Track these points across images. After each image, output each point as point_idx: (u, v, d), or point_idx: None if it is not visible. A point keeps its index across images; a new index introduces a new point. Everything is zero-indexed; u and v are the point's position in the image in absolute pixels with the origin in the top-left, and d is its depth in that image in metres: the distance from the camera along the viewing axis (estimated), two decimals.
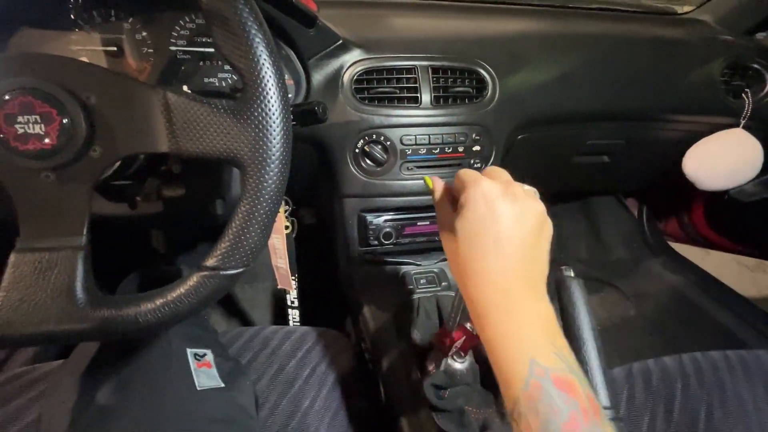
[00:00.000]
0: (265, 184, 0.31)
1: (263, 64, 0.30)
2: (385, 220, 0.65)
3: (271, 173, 0.31)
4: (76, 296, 0.29)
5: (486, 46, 0.67)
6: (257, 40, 0.29)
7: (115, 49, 0.52)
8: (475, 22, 0.73)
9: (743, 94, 0.78)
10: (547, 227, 0.35)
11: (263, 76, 0.30)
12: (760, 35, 0.83)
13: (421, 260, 0.69)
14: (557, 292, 0.44)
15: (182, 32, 0.53)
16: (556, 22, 0.79)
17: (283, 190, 0.32)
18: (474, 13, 0.76)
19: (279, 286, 0.64)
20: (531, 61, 0.68)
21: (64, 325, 0.29)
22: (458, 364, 0.48)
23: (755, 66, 0.78)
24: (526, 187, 0.36)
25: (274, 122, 0.30)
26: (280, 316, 0.71)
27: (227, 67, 0.56)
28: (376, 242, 0.66)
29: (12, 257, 0.29)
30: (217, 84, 0.55)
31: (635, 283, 1.15)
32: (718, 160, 0.79)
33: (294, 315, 0.69)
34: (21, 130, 0.29)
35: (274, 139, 0.31)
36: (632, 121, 0.81)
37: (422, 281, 0.65)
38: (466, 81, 0.63)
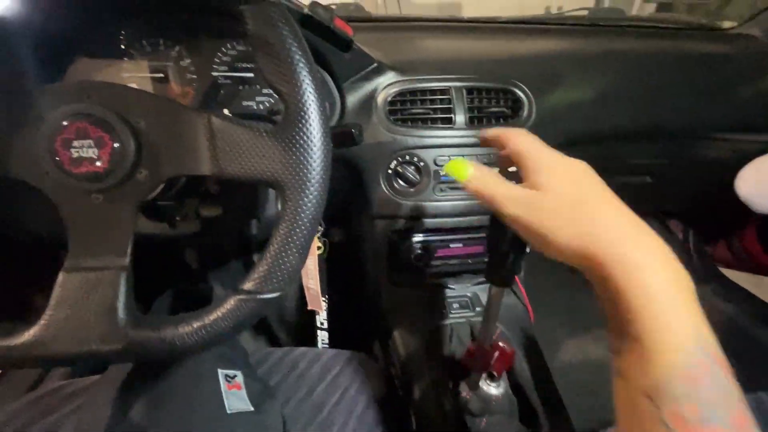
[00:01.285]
0: (304, 207, 0.31)
1: (305, 90, 0.30)
2: (417, 242, 0.64)
3: (311, 196, 0.31)
4: (117, 316, 0.30)
5: (521, 65, 0.66)
6: (300, 66, 0.30)
7: (161, 75, 0.54)
8: (509, 42, 0.72)
9: None
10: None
11: (305, 102, 0.30)
12: None
13: (453, 283, 0.67)
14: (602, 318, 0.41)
15: (224, 59, 0.55)
16: (591, 40, 0.78)
17: (321, 213, 0.32)
18: (507, 33, 0.75)
19: (309, 307, 0.63)
20: (567, 80, 0.67)
21: (105, 345, 0.29)
22: (493, 389, 0.46)
23: None
24: None
25: (314, 146, 0.30)
26: (308, 337, 0.70)
27: (265, 90, 0.57)
28: (407, 264, 0.65)
29: (60, 276, 0.30)
30: (255, 107, 0.57)
31: None
32: None
33: (323, 337, 0.68)
34: (76, 154, 0.30)
35: (315, 162, 0.30)
36: (676, 140, 0.77)
37: (455, 306, 0.63)
38: (501, 101, 0.62)
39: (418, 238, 0.64)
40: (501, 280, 0.40)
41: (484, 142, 0.37)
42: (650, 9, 2.71)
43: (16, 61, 0.45)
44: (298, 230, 0.31)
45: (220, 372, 0.48)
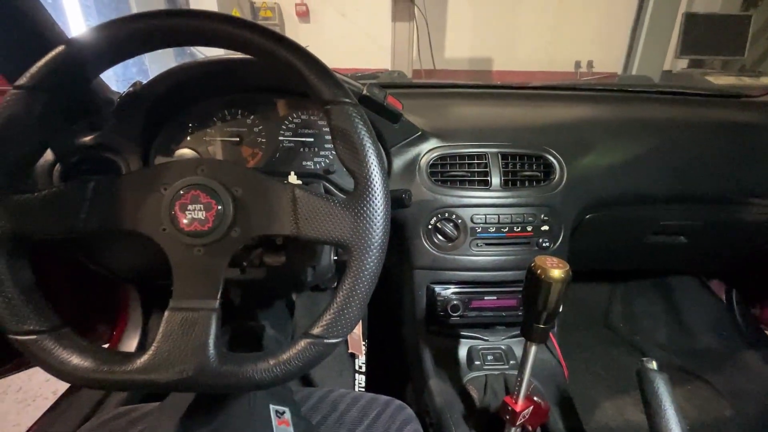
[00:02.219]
0: (367, 265, 0.36)
1: (374, 172, 0.37)
2: (453, 293, 0.68)
3: (373, 257, 0.37)
4: (209, 352, 0.36)
5: (552, 132, 0.72)
6: (370, 153, 0.37)
7: (237, 139, 0.64)
8: (541, 109, 0.79)
9: None
10: None
11: (373, 181, 0.37)
12: None
13: (488, 335, 0.70)
14: (639, 385, 0.43)
15: (290, 126, 0.65)
16: (621, 107, 0.83)
17: (380, 270, 0.38)
18: (540, 100, 0.82)
19: (350, 351, 0.67)
20: (597, 147, 0.72)
21: (199, 378, 0.35)
22: None
23: None
24: None
25: (378, 216, 0.37)
26: (346, 379, 0.73)
27: (321, 152, 0.66)
28: (443, 313, 0.68)
29: (166, 314, 0.37)
30: (312, 167, 0.65)
31: (730, 378, 1.01)
32: None
33: (360, 380, 0.71)
34: (189, 216, 0.37)
35: (378, 229, 0.37)
36: (710, 204, 0.79)
37: (489, 357, 0.65)
38: (534, 165, 0.67)
39: (454, 289, 0.68)
40: (536, 336, 0.44)
41: None
42: (682, 64, 2.75)
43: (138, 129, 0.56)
44: (360, 285, 0.36)
45: (272, 407, 0.52)
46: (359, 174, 0.37)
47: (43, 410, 0.81)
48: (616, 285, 1.28)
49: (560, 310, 0.42)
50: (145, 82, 0.56)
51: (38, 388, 1.34)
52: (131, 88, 0.55)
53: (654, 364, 0.44)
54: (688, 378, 1.06)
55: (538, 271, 0.42)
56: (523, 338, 0.70)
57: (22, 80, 0.35)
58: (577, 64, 3.32)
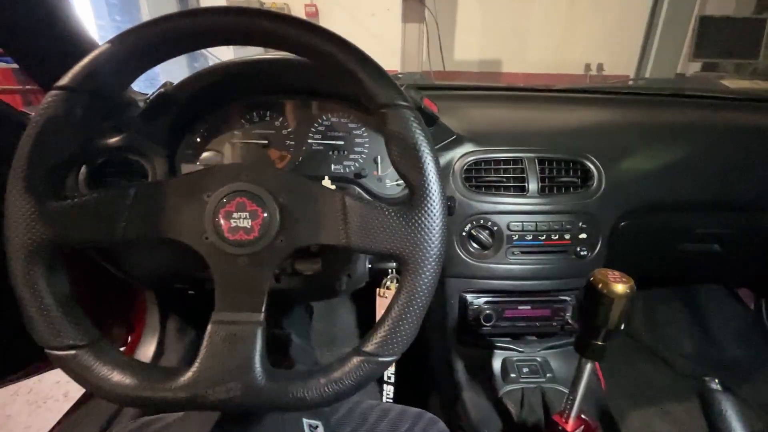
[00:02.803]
0: (423, 279, 0.34)
1: (431, 179, 0.34)
2: (486, 302, 0.66)
3: (429, 270, 0.34)
4: (255, 369, 0.33)
5: (590, 137, 0.69)
6: (428, 159, 0.35)
7: (266, 141, 0.62)
8: (579, 113, 0.77)
9: None
10: None
11: (432, 190, 0.34)
12: None
13: (522, 347, 0.67)
14: (702, 407, 0.40)
15: (319, 128, 0.63)
16: (659, 111, 0.81)
17: (436, 284, 0.35)
18: (576, 104, 0.80)
19: None
20: (636, 152, 0.69)
21: (247, 397, 0.33)
22: None
23: None
24: None
25: (435, 227, 0.34)
26: (373, 389, 0.71)
27: (351, 156, 0.64)
28: (475, 323, 0.66)
29: (209, 327, 0.35)
30: (342, 171, 0.63)
31: (760, 390, 0.98)
32: None
33: (388, 391, 0.69)
34: (234, 224, 0.35)
35: (435, 241, 0.34)
36: (747, 211, 0.76)
37: (525, 370, 0.63)
38: (571, 171, 0.65)
39: (487, 298, 0.66)
40: (593, 354, 0.41)
41: None
42: (695, 67, 2.72)
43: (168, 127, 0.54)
44: (416, 300, 0.34)
45: (305, 422, 0.50)
46: (416, 181, 0.35)
47: (55, 412, 0.79)
48: (639, 293, 1.25)
49: (622, 327, 0.40)
50: (174, 83, 0.54)
51: (49, 390, 1.33)
52: (162, 89, 0.53)
53: (717, 384, 0.41)
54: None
55: (599, 285, 0.39)
56: (559, 350, 0.69)
57: (63, 81, 0.33)
58: (587, 67, 3.29)
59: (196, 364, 0.34)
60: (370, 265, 0.56)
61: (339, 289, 0.54)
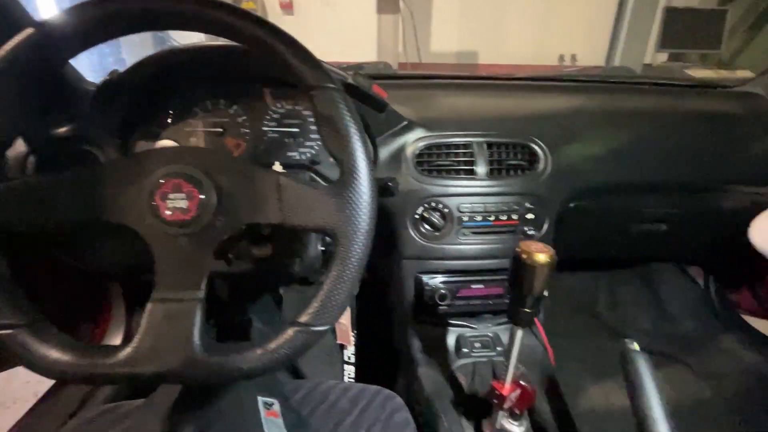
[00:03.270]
0: (353, 252, 0.36)
1: (359, 158, 0.36)
2: (441, 282, 0.68)
3: (359, 244, 0.36)
4: (194, 343, 0.35)
5: (537, 122, 0.72)
6: (355, 139, 0.36)
7: (221, 130, 0.63)
8: (526, 99, 0.80)
9: None
10: None
11: (358, 167, 0.36)
12: None
13: (475, 324, 0.70)
14: (622, 366, 0.44)
15: (274, 116, 0.64)
16: (603, 97, 0.84)
17: (367, 257, 0.37)
18: (524, 90, 0.83)
19: (338, 341, 0.67)
20: (582, 136, 0.73)
21: (184, 369, 0.34)
22: (515, 428, 0.48)
23: None
24: None
25: (364, 202, 0.36)
26: (335, 370, 0.73)
27: (307, 143, 0.65)
28: (431, 303, 0.69)
29: (149, 306, 0.36)
30: (298, 157, 0.64)
31: (708, 361, 1.05)
32: None
33: (350, 371, 0.71)
34: (170, 205, 0.37)
35: (364, 215, 0.36)
36: (689, 192, 0.81)
37: (477, 345, 0.66)
38: (519, 155, 0.68)
39: (441, 278, 0.69)
40: (522, 321, 0.44)
41: None
42: (662, 57, 2.81)
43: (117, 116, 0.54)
44: (347, 272, 0.36)
45: (260, 399, 0.52)
46: (344, 160, 0.37)
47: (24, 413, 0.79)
48: (601, 274, 1.31)
49: (545, 294, 0.43)
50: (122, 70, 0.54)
51: (18, 391, 1.30)
52: (108, 77, 0.53)
53: (636, 345, 0.45)
54: (668, 361, 1.09)
55: (524, 256, 0.42)
56: (509, 325, 0.72)
57: None
58: (561, 58, 3.35)
59: (135, 340, 0.35)
60: (322, 248, 0.58)
61: (292, 272, 0.56)
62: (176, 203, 0.37)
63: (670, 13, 2.53)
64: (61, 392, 0.78)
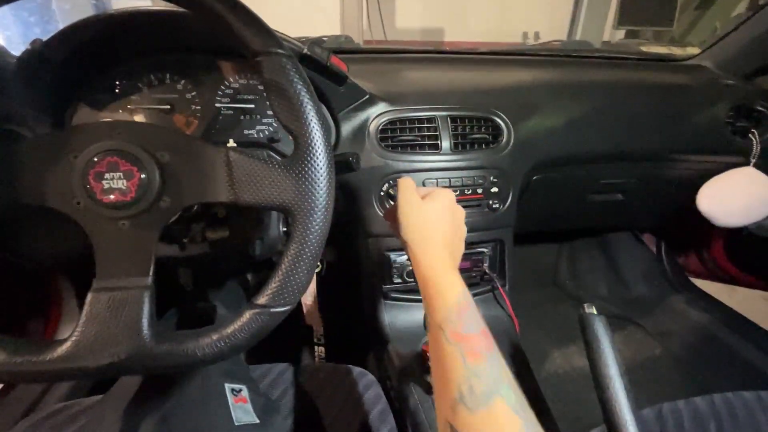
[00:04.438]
0: (312, 229, 0.35)
1: (313, 129, 0.34)
2: (408, 259, 0.68)
3: (317, 220, 0.35)
4: (143, 332, 0.33)
5: (500, 95, 0.72)
6: (308, 108, 0.34)
7: (168, 107, 0.58)
8: (489, 73, 0.79)
9: (750, 135, 0.81)
10: (459, 211, 0.47)
11: (313, 139, 0.34)
12: (760, 79, 0.87)
13: None
14: (581, 329, 0.46)
15: (227, 91, 0.60)
16: (563, 71, 0.85)
17: (326, 234, 0.36)
18: (487, 64, 0.82)
19: (307, 322, 0.66)
20: (542, 108, 0.73)
21: (133, 359, 0.32)
22: None
23: (759, 108, 0.81)
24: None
25: (321, 177, 0.35)
26: (305, 352, 0.73)
27: (265, 120, 0.61)
28: (399, 280, 0.69)
29: (89, 296, 0.33)
30: (255, 135, 0.61)
31: (659, 321, 1.13)
32: (732, 197, 0.81)
33: (320, 351, 0.70)
34: (107, 185, 0.33)
35: (321, 190, 0.35)
36: (642, 161, 0.84)
37: None
38: (483, 128, 0.67)
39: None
40: None
41: None
42: (620, 35, 2.89)
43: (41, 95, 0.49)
44: (306, 250, 0.35)
45: (227, 386, 0.50)
46: (298, 132, 0.34)
47: None
48: (562, 245, 1.36)
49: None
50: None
51: None
52: (29, 46, 0.47)
53: (593, 309, 0.46)
54: (623, 324, 1.17)
55: None
56: (477, 299, 0.74)
57: None
58: (525, 35, 3.38)
59: (75, 333, 0.32)
60: (284, 229, 0.56)
61: (253, 254, 0.54)
62: (114, 183, 0.33)
63: None
64: (11, 393, 0.73)
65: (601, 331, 0.43)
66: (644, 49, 2.31)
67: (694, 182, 0.84)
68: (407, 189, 0.46)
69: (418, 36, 3.26)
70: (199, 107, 0.59)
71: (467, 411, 0.31)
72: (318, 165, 0.34)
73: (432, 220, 0.43)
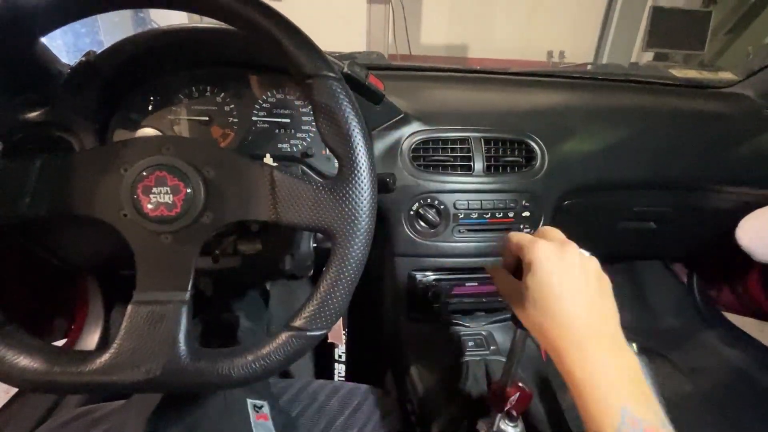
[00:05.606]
0: (352, 253, 0.34)
1: (360, 153, 0.34)
2: (434, 280, 0.67)
3: (358, 243, 0.34)
4: (179, 348, 0.33)
5: (534, 118, 0.71)
6: (356, 132, 0.34)
7: (206, 119, 0.59)
8: (524, 95, 0.78)
9: None
10: (605, 281, 0.37)
11: (360, 163, 0.34)
12: None
13: (468, 322, 0.69)
14: None
15: (264, 105, 0.61)
16: (598, 94, 0.84)
17: (366, 258, 0.35)
18: (522, 86, 0.81)
19: (329, 340, 0.65)
20: (577, 132, 0.72)
21: (169, 377, 0.32)
22: (510, 428, 0.47)
23: None
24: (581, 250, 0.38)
25: (364, 201, 0.34)
26: (325, 369, 0.72)
27: (299, 134, 0.62)
28: (424, 301, 0.67)
29: (129, 308, 0.33)
30: (289, 150, 0.62)
31: (689, 356, 1.08)
32: None
33: (340, 370, 0.70)
34: (154, 199, 0.34)
35: (364, 214, 0.34)
36: (678, 190, 0.82)
37: (470, 344, 0.65)
38: (516, 151, 0.66)
39: (435, 276, 0.67)
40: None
41: (507, 251, 0.42)
42: (648, 57, 2.85)
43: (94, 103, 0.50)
44: (346, 274, 0.34)
45: (249, 402, 0.50)
46: (344, 154, 0.34)
47: None
48: None
49: None
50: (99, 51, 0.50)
51: None
52: (84, 58, 0.49)
53: (635, 347, 0.44)
54: (650, 356, 1.12)
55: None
56: (503, 324, 0.72)
57: None
58: (550, 54, 3.37)
59: (114, 346, 0.32)
60: (315, 245, 0.56)
61: (283, 269, 0.54)
62: (160, 198, 0.34)
63: (657, 12, 2.55)
64: (29, 396, 0.74)
65: (644, 373, 0.41)
66: (675, 72, 2.27)
67: (732, 214, 0.81)
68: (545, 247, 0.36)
69: (442, 52, 3.29)
70: (236, 120, 0.60)
71: None
72: (362, 189, 0.34)
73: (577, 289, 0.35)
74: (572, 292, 0.35)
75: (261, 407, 0.51)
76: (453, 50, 3.30)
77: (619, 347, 0.33)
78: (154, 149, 0.35)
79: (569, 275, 0.35)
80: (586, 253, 0.38)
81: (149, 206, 0.34)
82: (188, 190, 0.34)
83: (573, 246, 0.38)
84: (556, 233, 0.40)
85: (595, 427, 0.30)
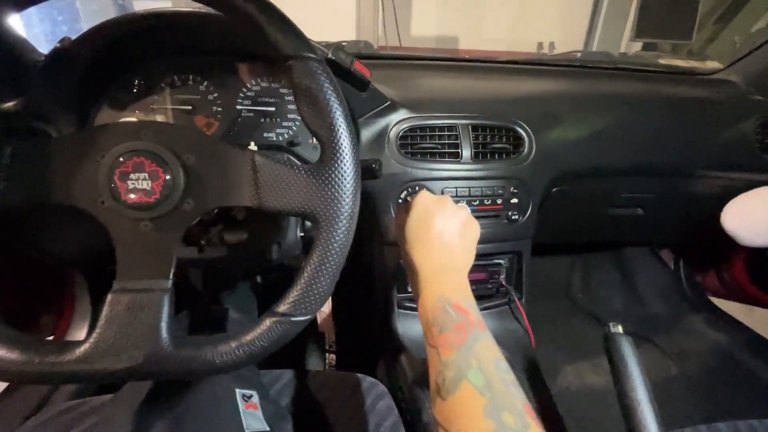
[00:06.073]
0: (336, 237, 0.34)
1: (342, 135, 0.34)
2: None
3: (342, 228, 0.34)
4: (161, 336, 0.32)
5: (521, 105, 0.71)
6: (338, 115, 0.34)
7: (190, 107, 0.58)
8: (512, 82, 0.78)
9: None
10: (472, 227, 0.49)
11: (341, 145, 0.34)
12: None
13: None
14: (606, 349, 0.44)
15: (248, 93, 0.60)
16: (585, 82, 0.84)
17: (350, 242, 0.35)
18: (510, 74, 0.81)
19: (320, 329, 0.65)
20: (564, 119, 0.72)
21: (150, 363, 0.31)
22: None
23: None
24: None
25: (347, 183, 0.34)
26: (316, 358, 0.72)
27: (285, 123, 0.61)
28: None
29: (109, 297, 0.33)
30: (275, 138, 0.61)
31: (676, 340, 1.09)
32: (759, 216, 0.78)
33: (331, 359, 0.69)
34: (131, 186, 0.33)
35: (347, 197, 0.34)
36: (664, 176, 0.83)
37: None
38: (504, 138, 0.66)
39: None
40: None
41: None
42: (637, 47, 2.87)
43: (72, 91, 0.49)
44: (330, 258, 0.34)
45: (238, 392, 0.50)
46: (326, 138, 0.34)
47: None
48: (576, 258, 1.34)
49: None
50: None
51: None
52: (59, 44, 0.47)
53: (620, 328, 0.45)
54: (638, 341, 1.13)
55: None
56: (493, 310, 0.72)
57: None
58: (540, 45, 3.36)
59: (94, 335, 0.32)
60: (302, 234, 0.55)
61: (270, 259, 0.53)
62: (139, 184, 0.33)
63: (646, 2, 2.56)
64: (19, 390, 0.73)
65: (628, 352, 0.42)
66: (663, 61, 2.29)
67: (718, 199, 0.82)
68: (424, 195, 0.49)
69: (432, 43, 3.27)
70: (220, 109, 0.59)
71: (441, 400, 0.34)
72: (345, 172, 0.34)
73: (434, 224, 0.46)
74: (438, 227, 0.45)
75: (250, 397, 0.51)
76: (443, 42, 3.28)
77: (456, 271, 0.44)
78: (133, 134, 0.34)
79: (440, 215, 0.46)
80: (462, 205, 0.49)
81: (127, 193, 0.33)
82: (167, 177, 0.33)
83: (448, 198, 0.49)
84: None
85: (422, 314, 0.41)
